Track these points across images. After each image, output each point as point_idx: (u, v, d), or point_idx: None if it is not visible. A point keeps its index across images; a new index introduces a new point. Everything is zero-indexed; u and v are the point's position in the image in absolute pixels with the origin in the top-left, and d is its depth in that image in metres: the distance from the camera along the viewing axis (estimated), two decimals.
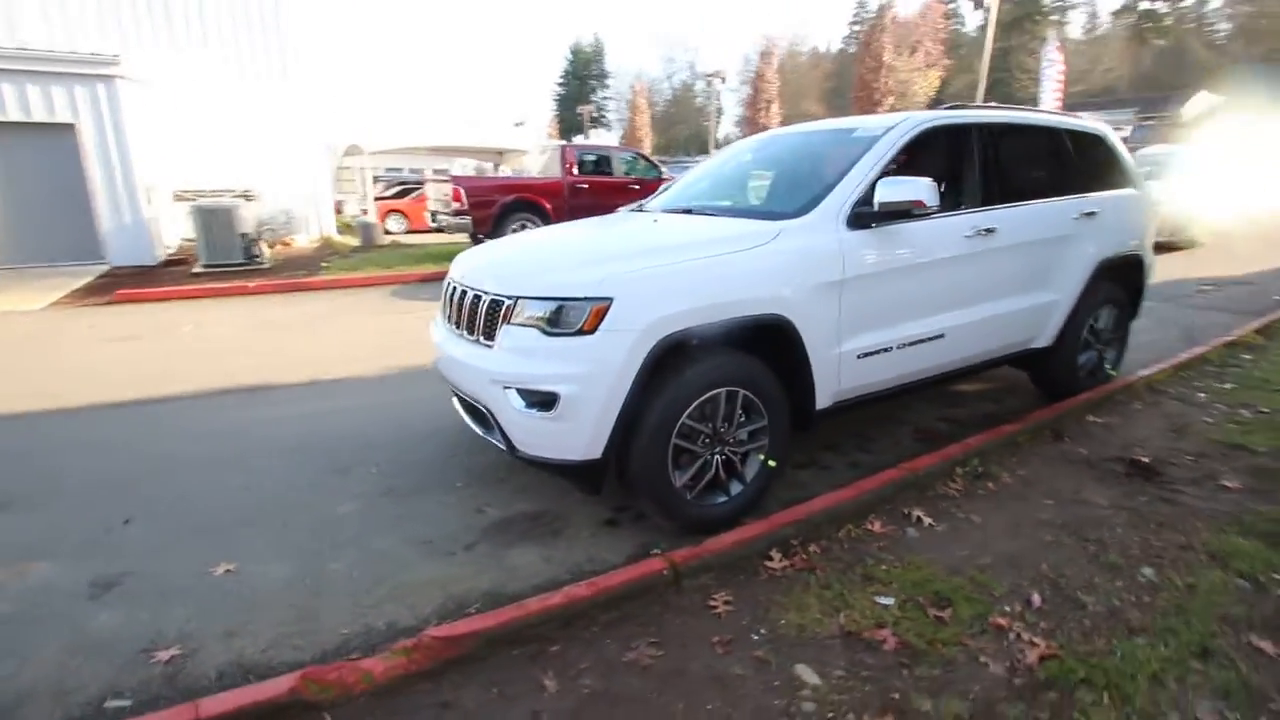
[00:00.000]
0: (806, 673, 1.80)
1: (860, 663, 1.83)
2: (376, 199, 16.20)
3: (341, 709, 1.70)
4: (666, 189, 3.98)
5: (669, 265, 2.36)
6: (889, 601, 2.09)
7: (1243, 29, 47.76)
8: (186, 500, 2.96)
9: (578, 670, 1.83)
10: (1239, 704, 1.65)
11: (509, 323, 2.39)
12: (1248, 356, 4.61)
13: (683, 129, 60.51)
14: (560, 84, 62.75)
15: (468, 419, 2.87)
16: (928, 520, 2.58)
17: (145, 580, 2.33)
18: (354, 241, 12.95)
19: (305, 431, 3.73)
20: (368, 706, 1.72)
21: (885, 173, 2.81)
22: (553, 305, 2.28)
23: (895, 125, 2.98)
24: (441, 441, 3.54)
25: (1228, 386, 4.02)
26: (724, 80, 25.29)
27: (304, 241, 12.78)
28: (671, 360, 2.30)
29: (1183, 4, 48.27)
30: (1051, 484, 2.87)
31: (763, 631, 1.97)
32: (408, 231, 16.62)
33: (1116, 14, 47.82)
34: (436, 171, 20.48)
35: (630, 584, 2.07)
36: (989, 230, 3.09)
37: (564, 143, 12.12)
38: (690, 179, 3.82)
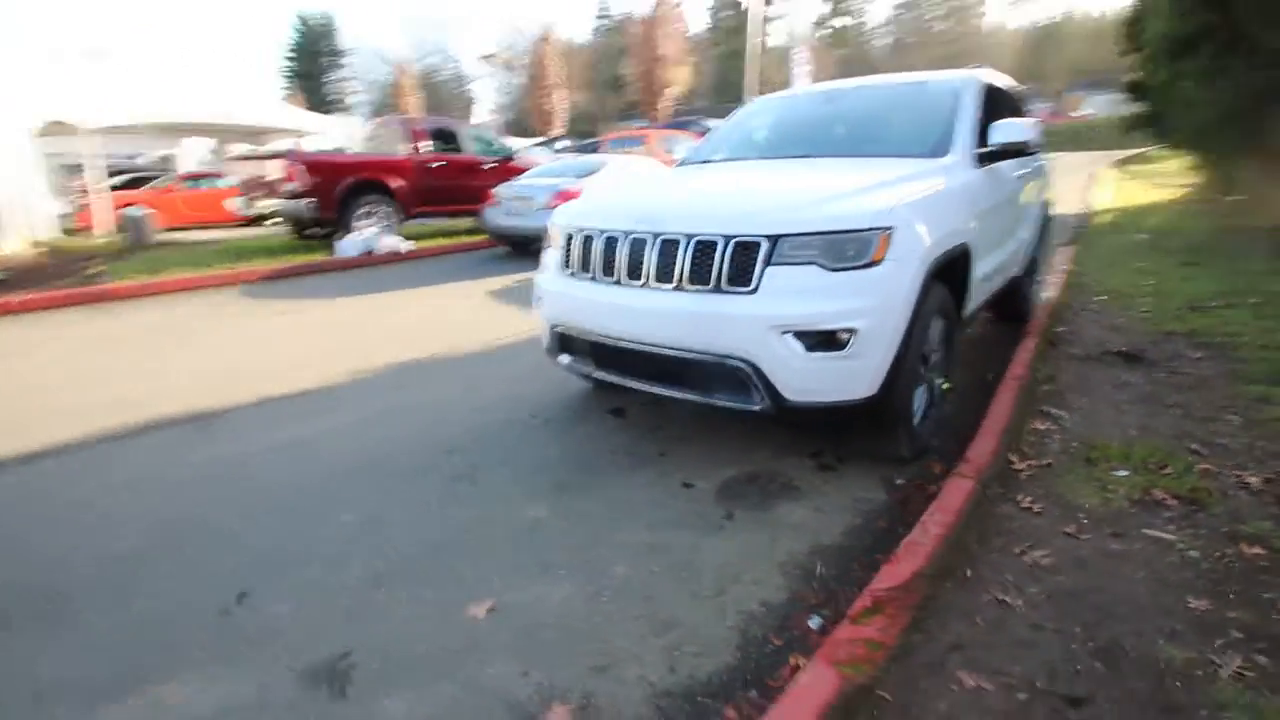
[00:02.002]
0: (1156, 533, 2.06)
1: (1170, 517, 2.15)
2: (111, 190, 12.64)
3: (890, 681, 1.49)
4: (707, 142, 3.90)
5: (915, 197, 2.40)
6: (1125, 473, 2.45)
7: (897, 44, 60.71)
8: (308, 547, 2.20)
9: (1007, 583, 1.84)
10: None
11: (773, 264, 2.22)
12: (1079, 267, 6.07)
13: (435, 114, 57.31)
14: (291, 58, 54.77)
15: (644, 385, 2.60)
16: (1061, 413, 3.03)
17: (381, 653, 1.71)
18: (101, 242, 10.01)
19: (351, 450, 2.99)
20: (902, 672, 1.53)
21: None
22: (835, 239, 2.18)
23: (965, 81, 3.36)
24: (526, 427, 3.16)
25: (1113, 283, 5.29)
26: (508, 65, 24.58)
27: (14, 247, 9.48)
28: (925, 289, 2.37)
29: (860, 20, 59.67)
30: (1096, 377, 3.55)
31: (1082, 518, 2.17)
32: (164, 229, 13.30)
33: (816, 25, 56.94)
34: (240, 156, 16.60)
35: (968, 504, 2.12)
36: (1021, 175, 3.66)
37: (405, 116, 10.78)
38: (745, 132, 3.81)
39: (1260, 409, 2.89)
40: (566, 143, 21.75)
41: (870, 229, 2.18)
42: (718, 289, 2.29)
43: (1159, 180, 13.77)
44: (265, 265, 7.47)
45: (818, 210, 2.29)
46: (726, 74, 59.65)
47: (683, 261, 2.35)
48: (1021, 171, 3.70)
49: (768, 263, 2.22)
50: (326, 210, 8.29)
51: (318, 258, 8.14)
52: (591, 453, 2.89)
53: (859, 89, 3.77)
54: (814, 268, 2.19)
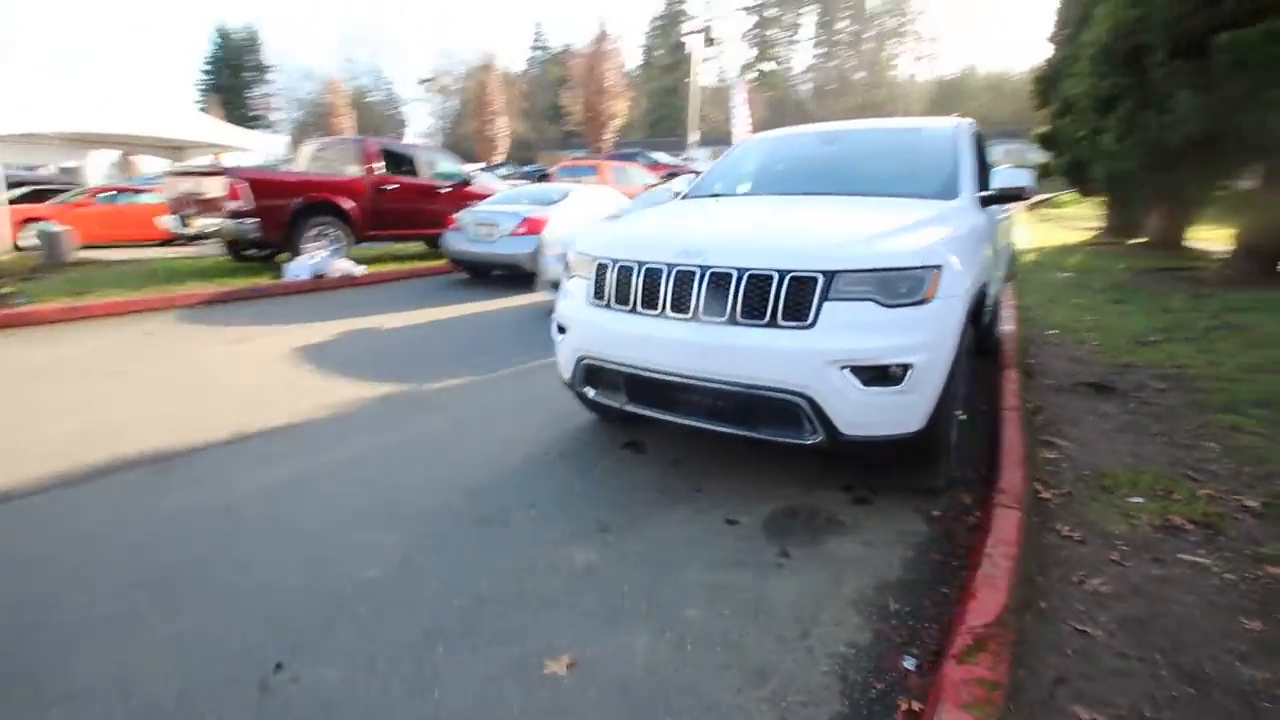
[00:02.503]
0: (1190, 558, 2.18)
1: (1195, 542, 2.28)
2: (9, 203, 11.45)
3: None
4: (712, 176, 3.94)
5: (950, 237, 2.50)
6: (1140, 500, 2.59)
7: (818, 90, 64.41)
8: (336, 603, 2.00)
9: (1080, 613, 1.89)
10: None
11: (830, 299, 2.24)
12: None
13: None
14: (208, 71, 52.05)
15: (682, 419, 2.56)
16: (1063, 442, 3.19)
17: None
18: (4, 259, 9.03)
19: (354, 492, 2.80)
20: (1021, 710, 1.51)
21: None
22: (890, 276, 2.23)
23: (959, 127, 3.56)
24: (543, 465, 3.05)
25: (1057, 318, 5.68)
26: (444, 90, 24.29)
27: None
28: (964, 325, 2.45)
29: (785, 65, 63.02)
30: (1076, 407, 3.77)
31: (1120, 545, 2.27)
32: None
33: (743, 69, 59.58)
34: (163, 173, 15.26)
35: (1021, 535, 2.17)
36: (1002, 217, 3.90)
37: (358, 136, 10.35)
38: (752, 168, 3.88)
39: (1234, 436, 3.14)
40: (506, 170, 21.67)
41: (923, 267, 2.25)
42: (773, 323, 2.29)
43: (1068, 223, 15.10)
44: (205, 289, 6.92)
45: (871, 248, 2.34)
46: (660, 109, 61.48)
47: (735, 295, 2.34)
48: (1001, 214, 3.94)
49: (824, 298, 2.24)
50: (271, 231, 7.81)
51: (263, 281, 7.64)
52: (619, 489, 2.80)
53: (856, 131, 3.93)
54: (870, 304, 2.22)
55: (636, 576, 2.15)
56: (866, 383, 2.21)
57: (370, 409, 3.81)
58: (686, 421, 2.61)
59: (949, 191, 3.09)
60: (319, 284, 7.68)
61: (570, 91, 33.21)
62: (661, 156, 20.62)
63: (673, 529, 2.47)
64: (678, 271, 2.45)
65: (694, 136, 22.19)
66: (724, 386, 2.39)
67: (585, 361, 2.78)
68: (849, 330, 2.22)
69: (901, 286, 2.23)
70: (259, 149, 20.43)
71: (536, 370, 4.55)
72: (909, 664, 1.75)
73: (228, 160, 18.73)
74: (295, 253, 7.98)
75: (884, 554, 2.30)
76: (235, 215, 7.61)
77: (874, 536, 2.41)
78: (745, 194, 3.55)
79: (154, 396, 4.01)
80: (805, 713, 1.59)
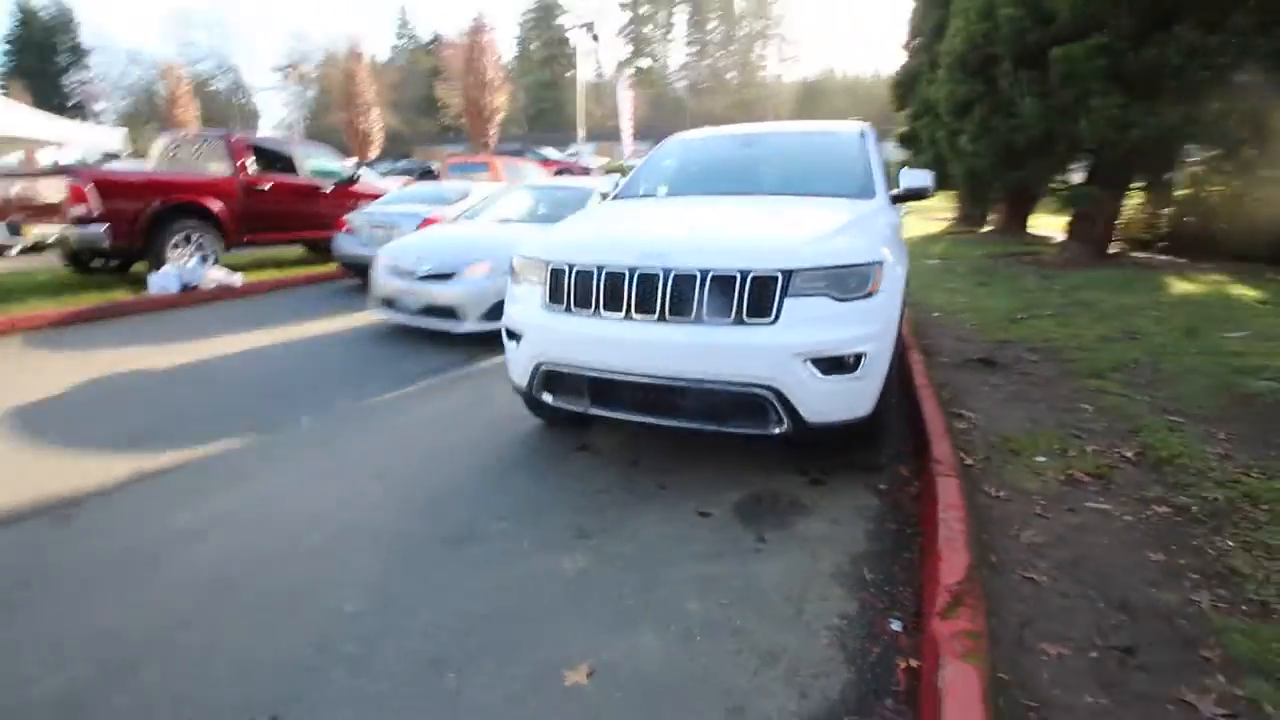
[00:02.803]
0: (1095, 505, 2.53)
1: (1094, 491, 2.66)
2: None
3: (999, 663, 1.65)
4: (638, 178, 3.99)
5: (884, 234, 2.71)
6: (1043, 459, 2.97)
7: (693, 88, 66.47)
8: (318, 645, 1.86)
9: (1024, 562, 2.14)
10: None
11: (790, 295, 2.37)
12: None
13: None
14: (9, 52, 44.57)
15: (647, 418, 2.64)
16: (969, 413, 3.58)
17: None
18: None
19: (299, 522, 2.59)
20: (1001, 653, 1.70)
21: None
22: (842, 272, 2.40)
23: (863, 131, 3.86)
24: (497, 475, 3.01)
25: (937, 301, 6.30)
26: (303, 78, 22.48)
27: None
28: (901, 314, 2.68)
29: (660, 63, 64.35)
30: (970, 381, 4.23)
31: (1039, 500, 2.60)
32: None
33: (620, 65, 60.11)
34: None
35: (964, 499, 2.43)
36: (902, 213, 4.27)
37: (222, 130, 9.26)
38: (676, 169, 3.96)
39: (1101, 398, 3.68)
40: (384, 167, 20.46)
41: (869, 263, 2.44)
42: (739, 321, 2.39)
43: (927, 215, 16.67)
44: (52, 308, 5.99)
45: (823, 246, 2.51)
46: (539, 103, 60.73)
47: (700, 296, 2.41)
48: (904, 211, 4.33)
49: (784, 295, 2.37)
50: (123, 239, 6.90)
51: (122, 296, 6.74)
52: (582, 493, 2.80)
53: (772, 134, 4.15)
54: (825, 299, 2.39)
55: (629, 577, 2.18)
56: (826, 372, 2.38)
57: (286, 433, 3.51)
58: (653, 420, 2.66)
59: (867, 191, 3.36)
60: (191, 297, 6.90)
61: (446, 83, 31.89)
62: (550, 152, 20.40)
63: (650, 527, 2.51)
64: (640, 274, 2.49)
65: (581, 132, 22.18)
66: (692, 384, 2.46)
67: (544, 367, 2.74)
68: (809, 324, 2.37)
69: (852, 282, 2.42)
70: (82, 142, 17.81)
71: (462, 379, 4.41)
72: (896, 626, 1.92)
73: (43, 156, 16.24)
74: (158, 262, 7.11)
75: (848, 529, 2.48)
76: (80, 221, 6.63)
77: (835, 514, 2.59)
78: (678, 195, 3.63)
79: (18, 437, 3.45)
80: (820, 685, 1.70)
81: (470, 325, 4.97)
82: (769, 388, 2.38)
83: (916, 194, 3.55)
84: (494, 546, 2.38)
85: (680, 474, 2.95)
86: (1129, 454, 2.96)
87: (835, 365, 2.39)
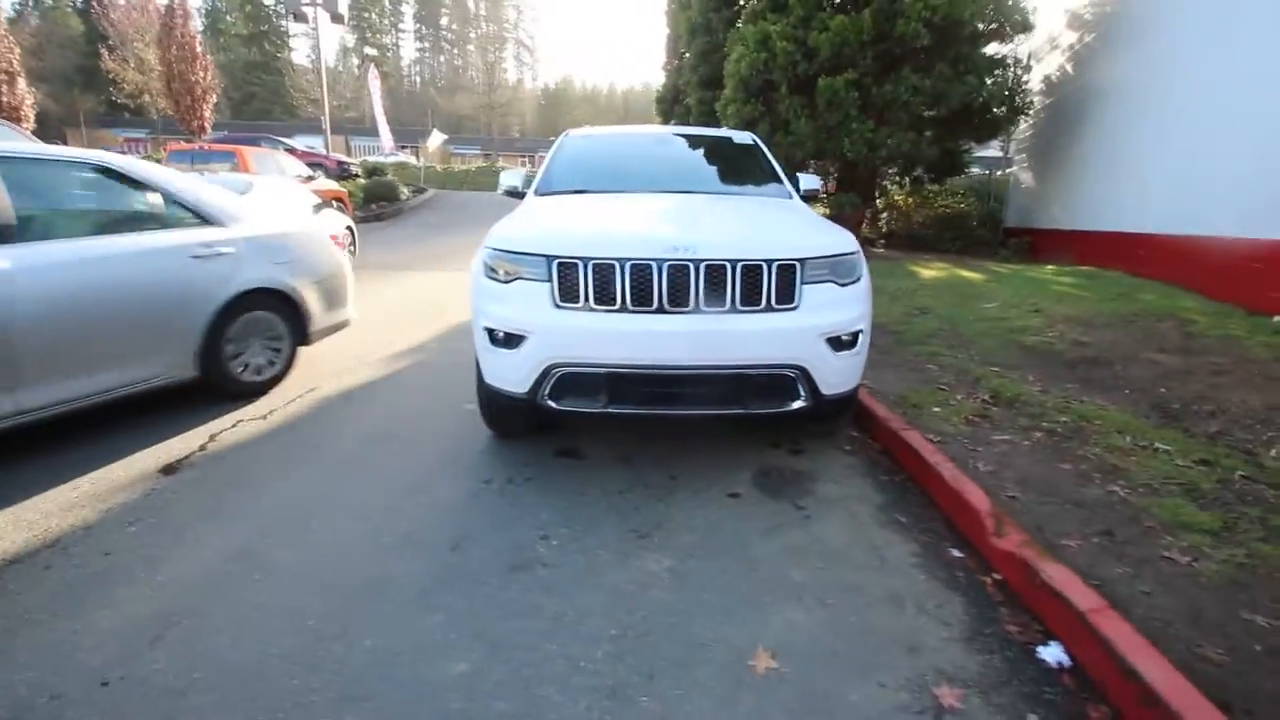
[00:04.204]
0: (1000, 437, 3.25)
1: (990, 426, 3.40)
2: None
3: (1055, 557, 2.06)
4: (557, 173, 3.83)
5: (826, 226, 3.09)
6: (938, 409, 3.68)
7: (430, 83, 63.55)
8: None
9: (1003, 481, 2.68)
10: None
11: (807, 282, 2.60)
12: None
13: None
14: None
15: (669, 410, 2.68)
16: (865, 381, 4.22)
17: None
18: None
19: (308, 579, 2.08)
20: (1051, 545, 2.13)
21: None
22: (840, 260, 2.71)
23: (754, 137, 4.28)
24: (501, 496, 2.82)
25: None
26: None
27: None
28: None
29: (387, 53, 60.02)
30: None
31: (964, 440, 3.23)
32: None
33: (362, 61, 54.73)
34: None
35: (931, 446, 2.93)
36: None
37: None
38: (598, 166, 3.89)
39: (938, 359, 4.64)
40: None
41: (856, 251, 2.79)
42: (769, 308, 2.55)
43: None
44: None
45: (820, 238, 2.78)
46: (247, 87, 52.29)
47: (733, 285, 2.51)
48: None
49: (803, 281, 2.59)
50: None
51: None
52: (604, 495, 2.69)
53: (678, 135, 4.38)
54: (830, 284, 2.67)
55: (721, 565, 2.20)
56: (836, 350, 2.67)
57: (193, 484, 2.69)
58: (672, 412, 2.67)
59: (784, 191, 3.76)
60: None
61: (115, 53, 25.64)
62: (294, 143, 17.75)
63: (694, 516, 2.54)
64: (671, 266, 2.49)
65: (309, 122, 19.62)
66: (724, 371, 2.55)
67: (558, 369, 2.56)
68: (823, 308, 2.63)
69: (847, 268, 2.74)
70: None
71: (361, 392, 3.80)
72: (957, 553, 2.29)
73: None
74: None
75: (854, 486, 2.82)
76: None
77: (833, 475, 2.91)
78: (619, 192, 3.58)
79: None
80: (947, 612, 1.97)
81: None
82: (796, 367, 2.58)
83: (813, 195, 4.07)
84: (564, 565, 2.19)
85: (678, 464, 3.00)
86: (986, 398, 3.82)
87: (843, 343, 2.69)
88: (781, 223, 3.02)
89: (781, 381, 2.62)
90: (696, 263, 2.51)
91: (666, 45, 16.56)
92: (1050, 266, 8.38)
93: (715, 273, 2.52)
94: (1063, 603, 1.85)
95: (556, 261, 2.56)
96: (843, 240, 2.82)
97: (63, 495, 2.60)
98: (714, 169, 4.02)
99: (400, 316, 6.05)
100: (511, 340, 2.62)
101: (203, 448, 3.09)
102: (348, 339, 5.12)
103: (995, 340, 4.91)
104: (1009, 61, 8.66)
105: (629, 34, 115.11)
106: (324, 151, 18.75)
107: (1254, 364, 3.82)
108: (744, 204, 3.43)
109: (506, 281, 2.67)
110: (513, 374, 2.65)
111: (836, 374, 2.70)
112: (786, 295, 2.58)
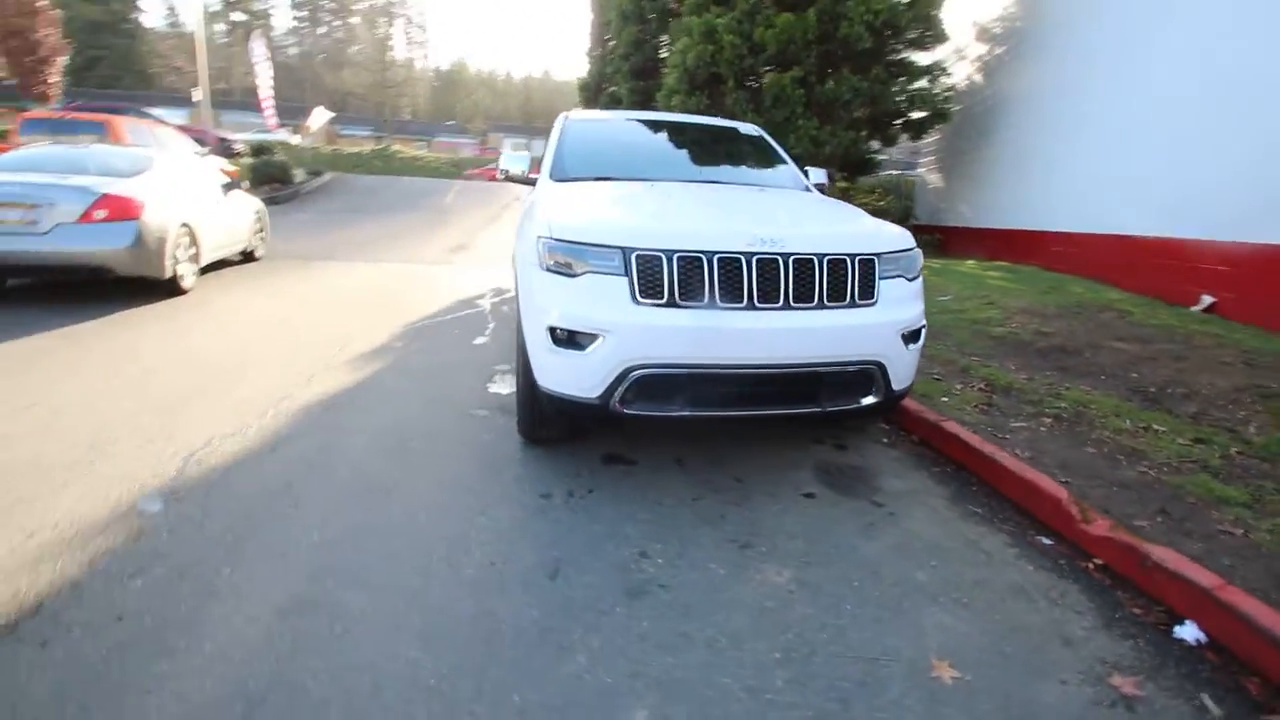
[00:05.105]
0: (1019, 424, 3.40)
1: (996, 405, 3.56)
2: None
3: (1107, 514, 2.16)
4: (567, 159, 3.56)
5: None
6: (947, 399, 3.82)
7: (307, 56, 58.63)
8: None
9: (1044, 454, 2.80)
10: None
11: (883, 278, 2.57)
12: None
13: None
14: None
15: (748, 411, 2.58)
16: None
17: None
18: None
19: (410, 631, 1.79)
20: (1106, 505, 2.23)
21: None
22: (906, 256, 2.70)
23: (759, 129, 4.22)
24: (567, 512, 2.65)
25: None
26: None
27: None
28: None
29: (261, 22, 54.59)
30: None
31: (986, 427, 3.36)
32: None
33: (231, 29, 49.33)
34: None
35: (975, 434, 3.01)
36: None
37: None
38: (613, 152, 3.66)
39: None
40: None
41: (915, 248, 2.80)
42: (852, 303, 2.49)
43: None
44: None
45: (889, 233, 2.75)
46: (90, 50, 45.77)
47: (820, 280, 2.43)
48: None
49: (880, 276, 2.56)
50: None
51: None
52: (679, 505, 2.54)
53: (689, 124, 4.24)
54: (900, 279, 2.66)
55: (842, 572, 2.13)
56: (907, 343, 2.66)
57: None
58: (750, 413, 2.57)
59: (803, 183, 3.74)
60: None
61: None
62: (159, 115, 15.60)
63: (783, 519, 2.45)
64: (760, 260, 2.37)
65: (198, 95, 17.44)
66: (806, 369, 2.47)
67: (636, 371, 2.37)
68: (897, 303, 2.61)
69: (911, 263, 2.74)
70: None
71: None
72: (1047, 541, 2.35)
73: None
74: None
75: (914, 481, 2.84)
76: None
77: (890, 470, 2.93)
78: (641, 179, 3.37)
79: None
80: (1072, 601, 2.01)
81: None
82: (877, 363, 2.55)
83: (820, 189, 4.08)
84: (682, 584, 2.02)
85: (736, 465, 2.90)
86: (983, 386, 4.03)
87: (913, 338, 2.69)
88: (841, 217, 2.98)
89: (860, 378, 2.57)
90: (785, 256, 2.40)
91: (591, 32, 16.22)
92: (971, 261, 9.05)
93: (803, 267, 2.42)
94: (1183, 583, 1.94)
95: (636, 254, 2.36)
96: (906, 236, 2.82)
97: (19, 545, 2.08)
98: (732, 159, 3.92)
99: (342, 312, 5.47)
100: (580, 340, 2.39)
101: (180, 472, 2.60)
102: (296, 337, 4.56)
103: (965, 332, 5.19)
104: (935, 70, 9.21)
105: (530, 20, 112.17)
106: (204, 127, 16.70)
107: (1203, 350, 4.28)
108: (786, 196, 3.36)
109: (573, 276, 2.43)
110: (581, 377, 2.42)
111: (907, 368, 2.70)
112: (867, 290, 2.54)
